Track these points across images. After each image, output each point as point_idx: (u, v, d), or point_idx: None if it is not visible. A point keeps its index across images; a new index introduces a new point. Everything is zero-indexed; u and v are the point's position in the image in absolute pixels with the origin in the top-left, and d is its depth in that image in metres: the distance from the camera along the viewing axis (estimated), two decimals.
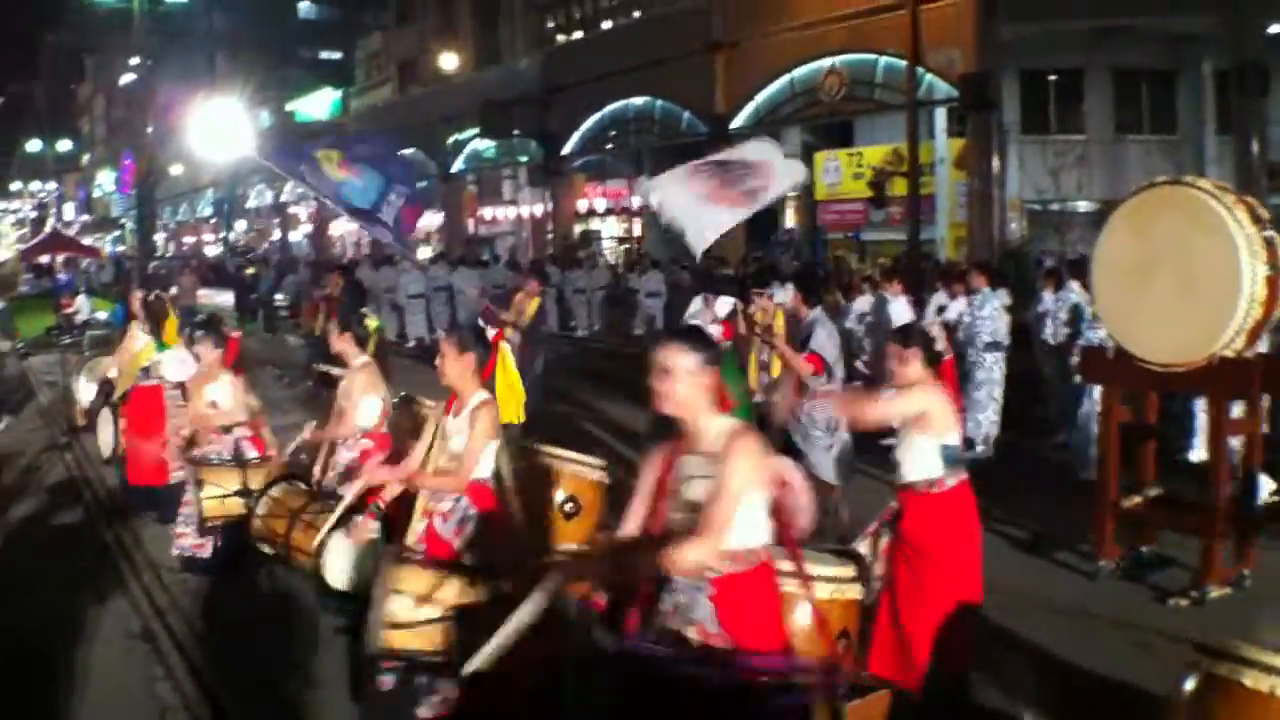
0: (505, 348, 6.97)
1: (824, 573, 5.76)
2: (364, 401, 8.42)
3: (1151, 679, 6.64)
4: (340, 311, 18.91)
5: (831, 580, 5.78)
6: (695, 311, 11.37)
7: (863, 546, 6.53)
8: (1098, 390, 10.10)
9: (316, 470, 8.77)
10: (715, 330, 4.66)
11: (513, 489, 6.98)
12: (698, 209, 9.84)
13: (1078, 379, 12.18)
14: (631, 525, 4.70)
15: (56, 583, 9.34)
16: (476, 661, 4.64)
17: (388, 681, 5.99)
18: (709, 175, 10.08)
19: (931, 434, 6.33)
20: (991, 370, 13.61)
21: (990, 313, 13.78)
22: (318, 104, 59.15)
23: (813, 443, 9.13)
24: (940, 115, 27.60)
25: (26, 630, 8.21)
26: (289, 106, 60.66)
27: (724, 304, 10.83)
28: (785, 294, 9.65)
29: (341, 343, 8.59)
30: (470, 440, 6.53)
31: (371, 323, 8.77)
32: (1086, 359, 10.12)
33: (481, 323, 10.06)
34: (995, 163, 25.99)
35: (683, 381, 4.51)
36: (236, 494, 8.84)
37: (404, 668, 6.02)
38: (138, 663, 7.72)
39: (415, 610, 5.82)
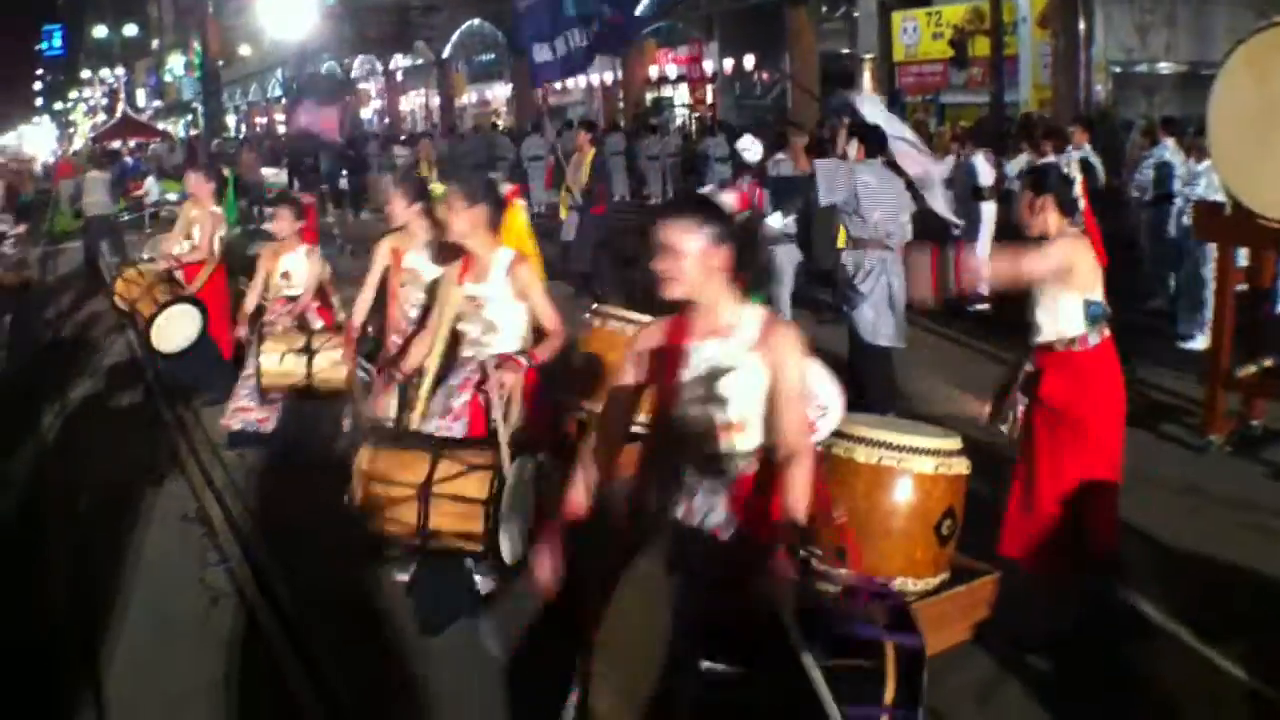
0: (520, 205, 6.34)
1: (926, 445, 5.37)
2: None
3: (1267, 561, 6.28)
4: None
5: (934, 453, 5.36)
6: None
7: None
8: (1211, 251, 9.51)
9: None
10: (729, 199, 4.15)
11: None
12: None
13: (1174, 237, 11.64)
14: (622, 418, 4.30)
15: (114, 463, 9.26)
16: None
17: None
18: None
19: (1075, 289, 5.65)
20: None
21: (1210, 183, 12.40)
22: None
23: (852, 296, 8.83)
24: None
25: (83, 510, 8.20)
26: None
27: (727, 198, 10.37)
28: (850, 149, 9.12)
29: (409, 215, 7.62)
30: (533, 299, 6.02)
31: (437, 188, 8.14)
32: (1200, 216, 9.27)
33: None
34: (1080, 22, 24.88)
35: (692, 261, 3.93)
36: (298, 351, 8.77)
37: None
38: (192, 546, 7.49)
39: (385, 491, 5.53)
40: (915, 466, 5.31)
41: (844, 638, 3.47)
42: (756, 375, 3.90)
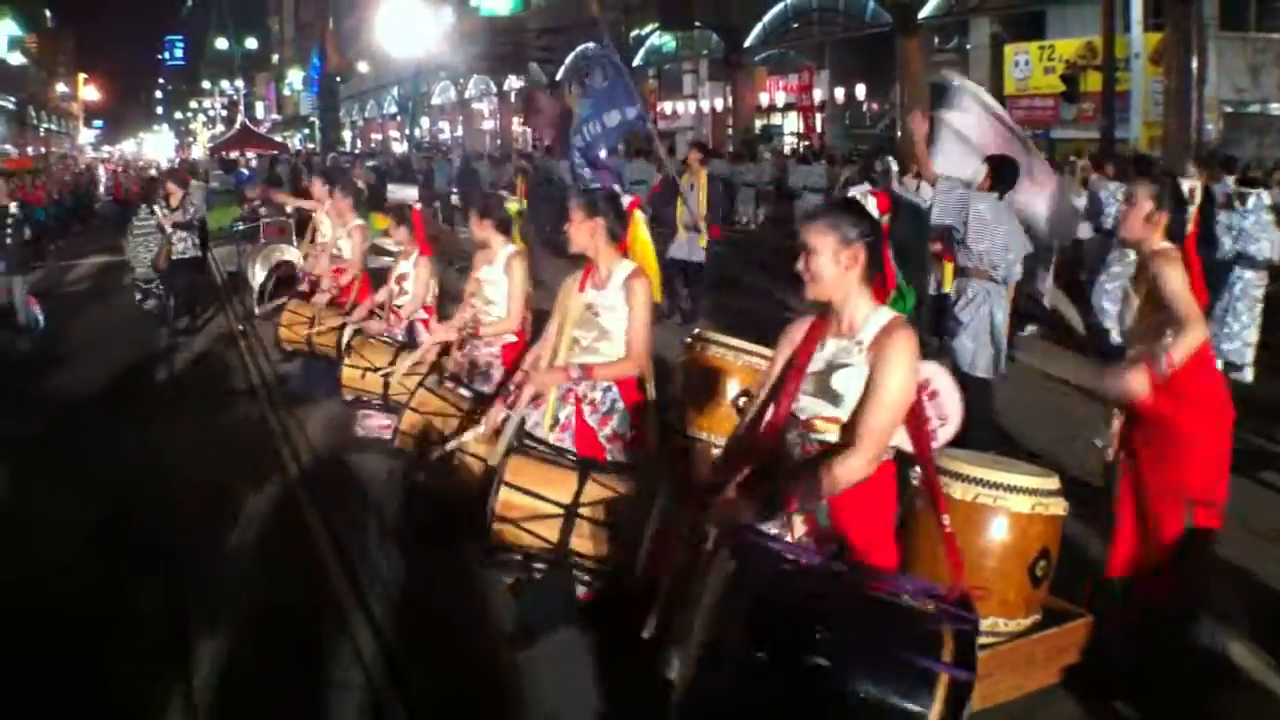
0: (640, 218, 6.41)
1: (1023, 483, 5.30)
2: (519, 291, 7.76)
3: None
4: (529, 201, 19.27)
5: (1031, 492, 5.29)
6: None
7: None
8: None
9: (449, 363, 8.30)
10: (872, 202, 4.16)
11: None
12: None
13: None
14: (762, 402, 4.32)
15: (221, 467, 9.45)
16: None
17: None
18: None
19: None
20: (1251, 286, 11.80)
21: (1258, 221, 11.81)
22: None
23: (957, 328, 8.76)
24: (1136, 6, 26.15)
25: (191, 515, 8.31)
26: (472, 2, 60.53)
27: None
28: (977, 176, 9.02)
29: (482, 230, 7.93)
30: (633, 317, 6.04)
31: (512, 206, 8.30)
32: None
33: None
34: (1193, 60, 24.39)
35: (826, 260, 4.04)
36: (375, 370, 8.88)
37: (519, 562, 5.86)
38: (296, 551, 7.66)
39: (529, 504, 5.56)
40: (1011, 505, 5.24)
41: (903, 663, 3.38)
42: (865, 374, 3.98)
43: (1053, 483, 5.43)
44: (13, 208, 15.38)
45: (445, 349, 8.46)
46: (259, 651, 6.18)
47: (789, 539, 3.97)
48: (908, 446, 4.21)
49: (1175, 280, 5.54)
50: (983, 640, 5.17)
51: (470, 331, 7.85)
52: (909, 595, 3.53)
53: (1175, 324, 5.47)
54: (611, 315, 6.09)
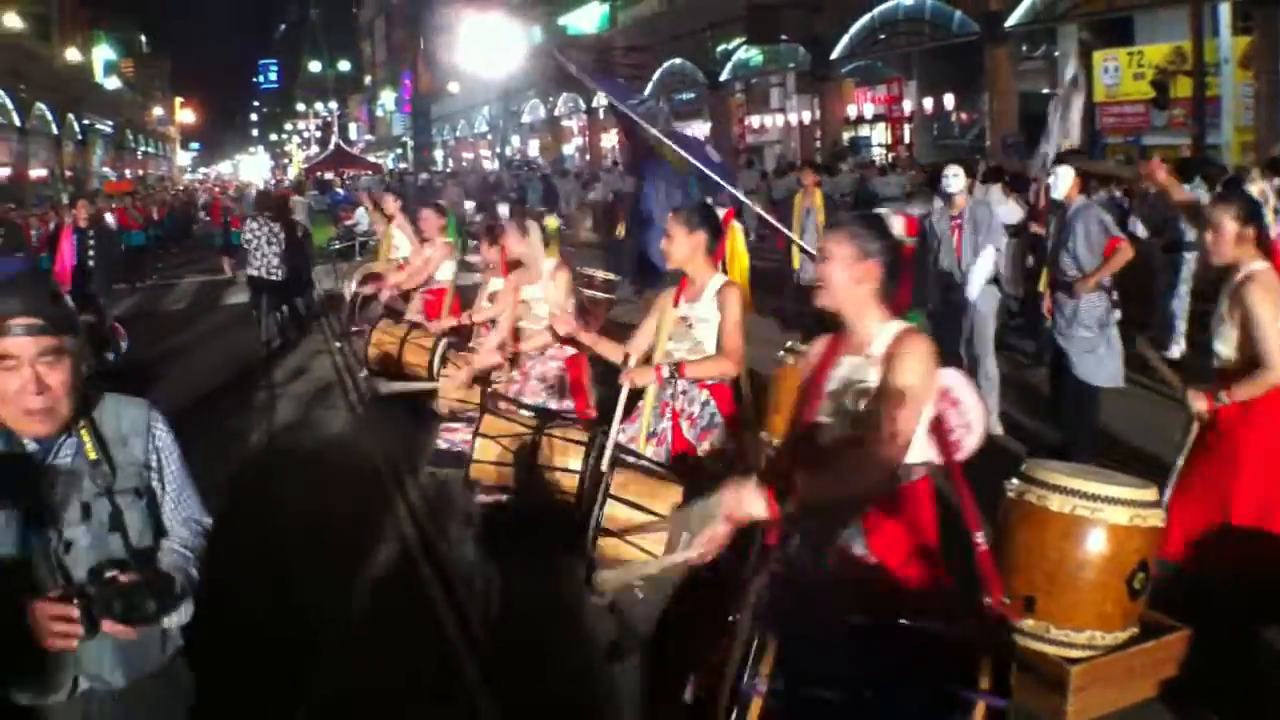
0: (737, 228, 6.47)
1: (1122, 495, 5.25)
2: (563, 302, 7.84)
3: None
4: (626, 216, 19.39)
5: (1130, 504, 5.23)
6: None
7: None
8: None
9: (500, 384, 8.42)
10: (898, 224, 4.16)
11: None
12: None
13: None
14: (794, 423, 4.28)
15: (317, 480, 9.81)
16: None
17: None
18: None
19: None
20: None
21: None
22: (587, 17, 59.18)
23: (1077, 341, 8.63)
24: (1225, 10, 25.73)
25: (289, 525, 8.55)
26: (559, 21, 60.93)
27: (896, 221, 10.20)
28: (1066, 179, 8.95)
29: (524, 247, 8.05)
30: (725, 320, 6.10)
31: (551, 223, 8.36)
32: None
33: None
34: None
35: (840, 270, 4.04)
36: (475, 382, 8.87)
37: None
38: (392, 562, 7.86)
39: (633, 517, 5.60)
40: (1110, 517, 5.19)
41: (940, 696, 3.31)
42: (879, 386, 3.93)
43: (1151, 494, 5.38)
44: (111, 222, 15.72)
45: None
46: (355, 659, 6.33)
47: (825, 566, 3.94)
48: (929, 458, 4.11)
49: (1265, 316, 5.61)
50: (1080, 654, 5.22)
51: (512, 352, 7.99)
52: (946, 621, 3.48)
53: (1255, 358, 5.61)
54: (705, 327, 6.15)
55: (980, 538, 3.93)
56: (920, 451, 4.00)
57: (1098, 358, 8.63)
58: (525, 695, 5.82)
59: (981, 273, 9.74)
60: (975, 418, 4.98)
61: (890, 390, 3.87)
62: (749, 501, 3.82)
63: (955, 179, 10.00)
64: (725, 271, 6.74)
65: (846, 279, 4.05)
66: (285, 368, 15.29)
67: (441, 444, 9.45)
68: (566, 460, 6.91)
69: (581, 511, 6.45)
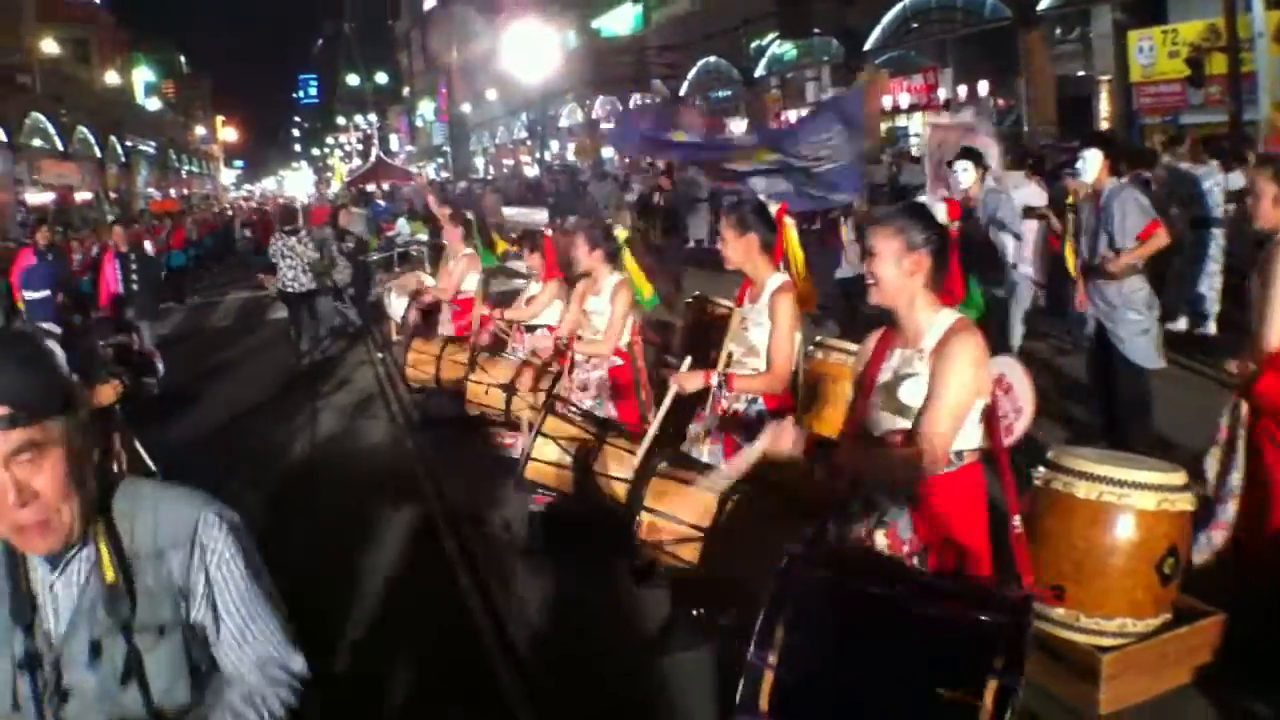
0: (790, 224, 6.37)
1: (1149, 480, 5.19)
2: (619, 319, 7.77)
3: None
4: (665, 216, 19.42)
5: (1157, 489, 5.17)
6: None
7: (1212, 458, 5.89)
8: None
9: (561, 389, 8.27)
10: (941, 210, 4.05)
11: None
12: None
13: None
14: (849, 419, 4.26)
15: (359, 485, 9.95)
16: None
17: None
18: None
19: None
20: None
21: None
22: (620, 19, 59.25)
23: (1127, 325, 8.44)
24: None
25: (334, 531, 8.66)
26: (593, 24, 61.04)
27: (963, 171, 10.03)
28: (1094, 162, 8.63)
29: (591, 260, 7.94)
30: (774, 332, 5.95)
31: (621, 234, 8.32)
32: None
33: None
34: None
35: (889, 265, 4.02)
36: (499, 386, 9.03)
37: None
38: (421, 557, 8.04)
39: (675, 526, 5.54)
40: (1137, 503, 5.14)
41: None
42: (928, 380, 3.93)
43: (1179, 478, 5.30)
44: (147, 247, 15.86)
45: (539, 373, 8.62)
46: (395, 665, 6.38)
47: (872, 549, 3.96)
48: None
49: None
50: (1111, 642, 5.17)
51: (564, 345, 8.03)
52: (973, 603, 3.44)
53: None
54: (758, 330, 6.07)
55: (1017, 521, 4.02)
56: (971, 438, 4.02)
57: (1150, 339, 8.46)
58: (565, 704, 5.83)
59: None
60: (1026, 401, 4.96)
61: (940, 384, 3.89)
62: (787, 436, 3.97)
63: (965, 173, 9.94)
64: (787, 268, 6.63)
65: (897, 273, 4.04)
66: (329, 379, 15.43)
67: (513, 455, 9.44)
68: (621, 469, 6.85)
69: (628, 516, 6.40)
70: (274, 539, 8.43)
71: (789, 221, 6.35)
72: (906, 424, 3.97)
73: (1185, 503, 5.27)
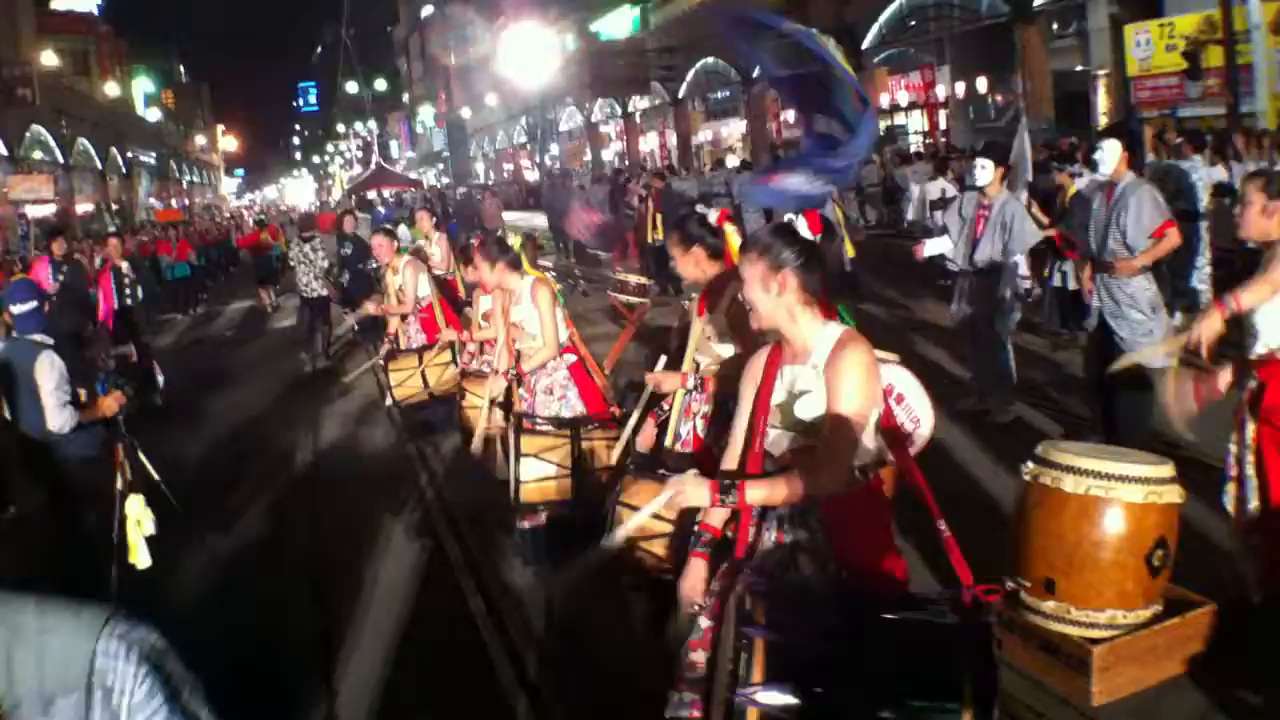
0: (730, 230, 6.38)
1: (1136, 473, 5.21)
2: (549, 316, 7.74)
3: None
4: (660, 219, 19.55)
5: (1144, 481, 5.20)
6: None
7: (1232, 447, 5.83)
8: None
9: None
10: (802, 225, 4.05)
11: None
12: None
13: None
14: (736, 443, 4.22)
15: (362, 491, 10.09)
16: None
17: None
18: None
19: None
20: None
21: None
22: (618, 22, 59.31)
23: (1130, 325, 8.48)
24: None
25: (336, 536, 8.88)
26: (591, 27, 61.09)
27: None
28: (1113, 153, 8.51)
29: (497, 274, 7.97)
30: (744, 344, 5.81)
31: (514, 240, 8.31)
32: None
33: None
34: None
35: (758, 289, 4.02)
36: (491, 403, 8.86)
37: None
38: (424, 562, 8.13)
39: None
40: (1124, 496, 5.17)
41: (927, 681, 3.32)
42: (824, 396, 3.91)
43: (1166, 470, 5.32)
44: (145, 263, 16.00)
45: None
46: (397, 667, 6.46)
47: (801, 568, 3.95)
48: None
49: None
50: (1102, 634, 5.21)
51: (515, 372, 7.93)
52: (927, 609, 3.48)
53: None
54: (728, 339, 6.03)
55: (943, 525, 4.02)
56: (870, 450, 4.02)
57: (1153, 342, 8.36)
58: (567, 706, 5.91)
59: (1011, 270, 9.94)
60: (923, 412, 4.96)
61: (835, 398, 3.87)
62: (691, 490, 3.93)
63: (984, 171, 9.96)
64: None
65: (766, 296, 4.03)
66: (332, 387, 15.42)
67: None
68: (608, 458, 6.91)
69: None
70: (278, 545, 8.65)
71: (729, 229, 6.36)
72: (807, 441, 3.97)
73: (1173, 495, 5.28)
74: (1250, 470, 5.58)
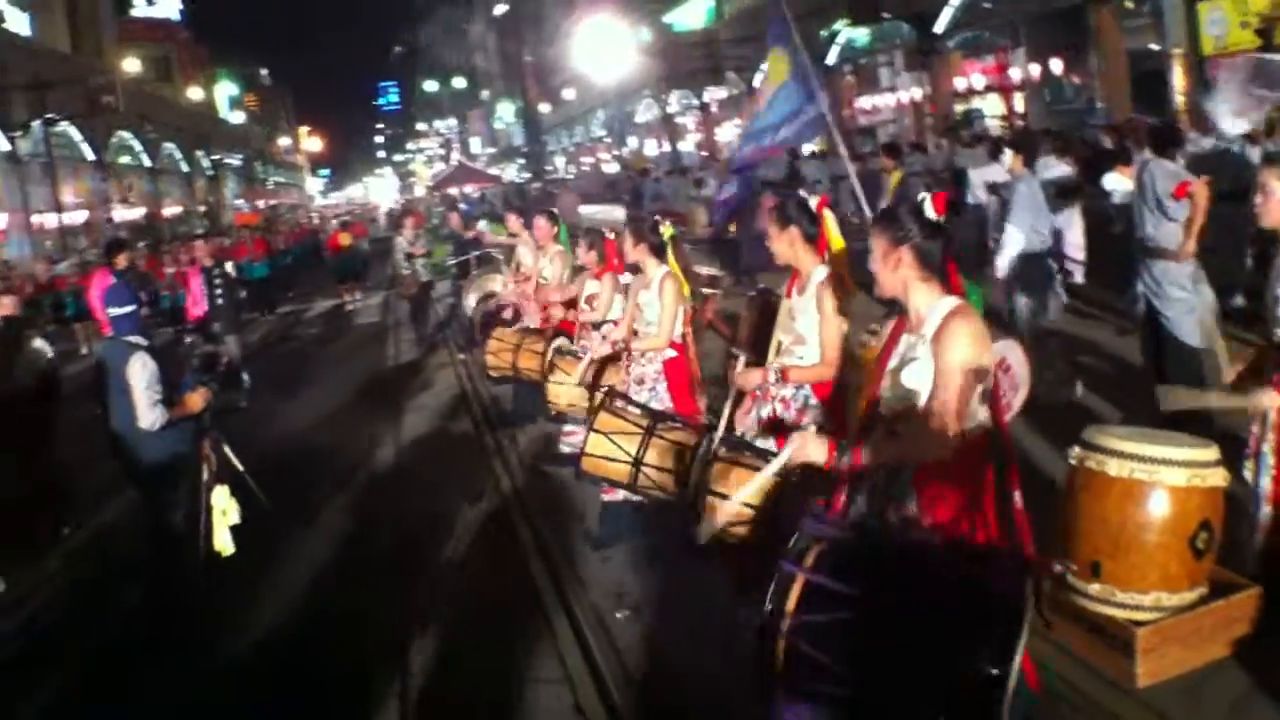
0: (829, 216, 6.49)
1: (1179, 456, 5.28)
2: (670, 311, 7.90)
3: None
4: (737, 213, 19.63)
5: (1187, 465, 5.26)
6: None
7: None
8: None
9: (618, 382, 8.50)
10: (929, 207, 4.17)
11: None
12: None
13: None
14: (864, 404, 4.57)
15: (441, 482, 10.41)
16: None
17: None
18: None
19: None
20: None
21: None
22: (693, 13, 59.25)
23: (1172, 303, 8.52)
24: None
25: (415, 526, 9.12)
26: (665, 19, 61.10)
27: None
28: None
29: (637, 253, 8.16)
30: (823, 322, 6.11)
31: (666, 230, 8.48)
32: None
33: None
34: None
35: (878, 261, 4.39)
36: (578, 385, 9.09)
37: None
38: (500, 558, 8.31)
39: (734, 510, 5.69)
40: (1168, 479, 5.23)
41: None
42: (932, 365, 4.18)
43: (1211, 454, 5.37)
44: (229, 266, 16.40)
45: (603, 367, 8.89)
46: (471, 653, 6.73)
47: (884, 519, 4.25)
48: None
49: None
50: (1147, 616, 5.29)
51: (623, 347, 8.29)
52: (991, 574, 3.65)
53: None
54: (805, 319, 6.22)
55: (1017, 496, 4.23)
56: (978, 419, 4.24)
57: (1195, 318, 8.45)
58: (636, 691, 6.05)
59: (1008, 249, 10.00)
60: (1023, 380, 5.14)
61: (941, 367, 4.13)
62: (810, 447, 4.34)
63: (1003, 158, 10.16)
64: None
65: (885, 269, 4.38)
66: (413, 383, 15.85)
67: (564, 448, 9.82)
68: (671, 461, 7.05)
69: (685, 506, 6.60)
70: (357, 533, 8.96)
71: (828, 214, 6.50)
72: (914, 405, 4.23)
73: (1217, 478, 5.33)
74: (1267, 448, 5.55)
